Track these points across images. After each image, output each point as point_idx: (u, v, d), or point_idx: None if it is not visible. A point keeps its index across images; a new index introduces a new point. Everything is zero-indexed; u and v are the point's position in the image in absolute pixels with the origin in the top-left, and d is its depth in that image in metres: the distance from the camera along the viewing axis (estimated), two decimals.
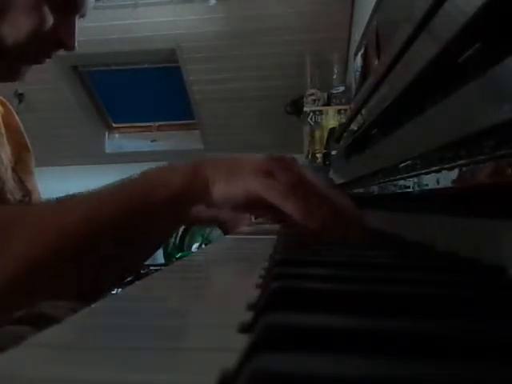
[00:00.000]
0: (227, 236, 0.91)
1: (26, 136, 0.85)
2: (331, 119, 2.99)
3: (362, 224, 0.57)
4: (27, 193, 0.78)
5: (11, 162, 0.78)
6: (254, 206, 0.54)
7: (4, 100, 0.83)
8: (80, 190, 0.51)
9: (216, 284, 0.37)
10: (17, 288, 0.46)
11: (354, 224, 0.55)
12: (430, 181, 0.44)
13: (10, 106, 0.84)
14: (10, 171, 0.76)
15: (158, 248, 0.61)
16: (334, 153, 1.63)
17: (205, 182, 0.53)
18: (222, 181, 0.53)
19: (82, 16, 0.70)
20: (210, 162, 0.56)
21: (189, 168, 0.54)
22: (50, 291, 0.50)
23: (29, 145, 0.85)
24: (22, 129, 0.85)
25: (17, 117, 0.85)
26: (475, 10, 0.33)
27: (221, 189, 0.53)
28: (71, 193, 0.51)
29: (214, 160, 0.57)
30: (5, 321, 0.53)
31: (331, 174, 1.41)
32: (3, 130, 0.78)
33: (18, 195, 0.76)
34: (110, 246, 0.51)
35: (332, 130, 2.38)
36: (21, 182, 0.78)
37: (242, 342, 0.17)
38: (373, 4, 1.43)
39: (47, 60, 0.72)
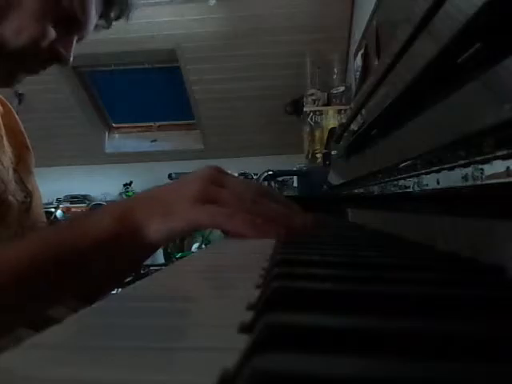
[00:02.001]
0: (227, 236, 0.91)
1: (26, 135, 0.84)
2: (331, 119, 2.99)
3: (311, 226, 0.56)
4: (28, 194, 0.78)
5: (12, 162, 0.78)
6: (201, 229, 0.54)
7: (3, 99, 0.83)
8: (80, 190, 0.52)
9: (216, 283, 0.37)
10: None
11: (303, 227, 0.54)
12: (430, 181, 0.44)
13: (10, 105, 0.84)
14: (11, 172, 0.76)
15: (129, 274, 0.60)
16: (334, 153, 1.63)
17: (135, 226, 0.51)
18: (157, 219, 0.51)
19: (81, 38, 0.72)
20: (141, 200, 0.54)
21: (116, 213, 0.52)
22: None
23: (29, 144, 0.84)
24: (22, 128, 0.84)
25: (16, 116, 0.84)
26: (475, 9, 0.33)
27: (159, 228, 0.51)
28: (68, 194, 0.52)
29: (145, 197, 0.55)
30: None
31: (331, 174, 1.41)
32: (3, 131, 0.78)
33: (19, 196, 0.75)
34: (55, 282, 0.49)
35: (332, 130, 2.38)
36: (22, 183, 0.78)
37: (241, 341, 0.17)
38: (373, 4, 1.43)
39: None
